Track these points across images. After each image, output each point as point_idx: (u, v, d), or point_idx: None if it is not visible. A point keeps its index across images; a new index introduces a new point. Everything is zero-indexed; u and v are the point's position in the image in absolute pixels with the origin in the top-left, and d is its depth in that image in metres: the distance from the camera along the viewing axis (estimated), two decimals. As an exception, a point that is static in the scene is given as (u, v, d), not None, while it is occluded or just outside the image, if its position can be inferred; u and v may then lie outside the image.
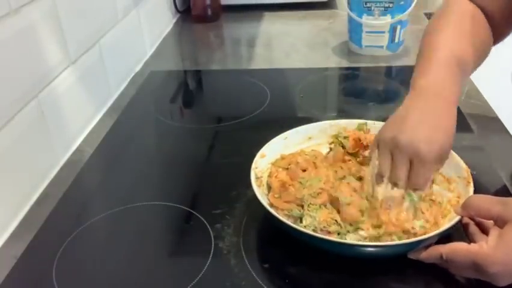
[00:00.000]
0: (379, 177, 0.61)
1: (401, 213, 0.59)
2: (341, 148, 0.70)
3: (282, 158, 0.69)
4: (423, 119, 0.59)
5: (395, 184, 0.59)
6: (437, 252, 0.54)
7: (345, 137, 0.70)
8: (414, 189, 0.59)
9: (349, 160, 0.68)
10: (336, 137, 0.71)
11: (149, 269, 0.61)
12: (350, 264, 0.58)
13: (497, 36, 0.72)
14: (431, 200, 0.62)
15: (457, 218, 0.56)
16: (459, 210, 0.56)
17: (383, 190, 0.60)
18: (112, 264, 0.62)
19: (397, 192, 0.59)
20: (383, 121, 0.66)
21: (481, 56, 0.70)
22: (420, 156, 0.57)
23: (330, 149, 0.71)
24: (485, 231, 0.56)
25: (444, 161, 0.60)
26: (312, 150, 0.72)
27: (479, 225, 0.57)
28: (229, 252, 0.61)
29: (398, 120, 0.61)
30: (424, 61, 0.65)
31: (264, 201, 0.60)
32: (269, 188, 0.66)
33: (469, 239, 0.56)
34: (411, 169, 0.58)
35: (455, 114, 0.61)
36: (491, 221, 0.54)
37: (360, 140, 0.69)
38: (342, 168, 0.67)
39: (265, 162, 0.69)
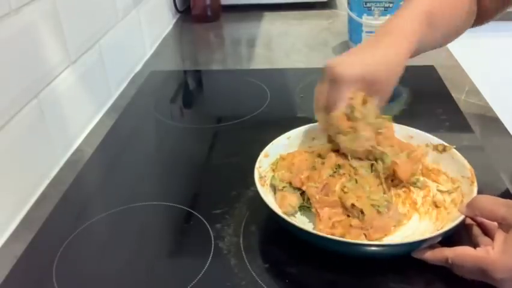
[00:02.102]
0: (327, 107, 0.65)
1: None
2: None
3: (283, 158, 0.69)
4: (358, 49, 0.66)
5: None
6: (443, 255, 0.54)
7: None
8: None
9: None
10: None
11: (149, 269, 0.61)
12: (350, 264, 0.58)
13: (483, 15, 0.75)
14: (435, 205, 0.63)
15: (460, 218, 0.56)
16: (463, 210, 0.56)
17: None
18: (112, 264, 0.62)
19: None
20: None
21: (454, 19, 0.73)
22: (335, 75, 0.62)
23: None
24: (487, 232, 0.56)
25: (380, 96, 0.63)
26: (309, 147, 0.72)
27: (480, 225, 0.57)
28: (229, 252, 0.61)
29: (347, 53, 0.67)
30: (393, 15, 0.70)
31: (268, 200, 0.60)
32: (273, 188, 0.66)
33: (472, 241, 0.56)
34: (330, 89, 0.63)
35: (408, 53, 0.64)
36: (494, 222, 0.54)
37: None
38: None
39: (268, 162, 0.69)
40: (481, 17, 0.75)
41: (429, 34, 0.68)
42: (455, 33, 0.75)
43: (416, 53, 0.68)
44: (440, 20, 0.69)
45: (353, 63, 0.63)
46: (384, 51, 0.64)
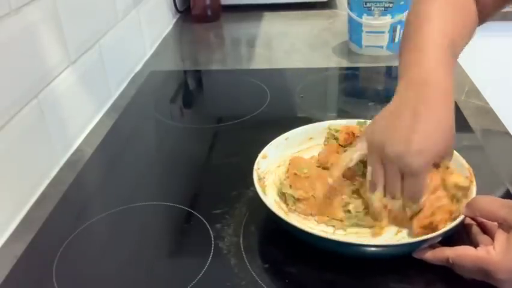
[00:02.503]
0: (373, 186, 0.59)
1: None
2: (334, 141, 0.70)
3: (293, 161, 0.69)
4: (415, 121, 0.55)
5: (392, 196, 0.58)
6: (444, 255, 0.54)
7: (337, 131, 0.71)
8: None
9: (344, 151, 0.68)
10: (329, 128, 0.72)
11: (149, 269, 0.61)
12: (350, 264, 0.58)
13: (483, 17, 0.70)
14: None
15: (460, 218, 0.56)
16: (463, 210, 0.56)
17: (379, 198, 0.59)
18: (112, 264, 0.62)
19: (396, 203, 0.59)
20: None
21: (468, 35, 0.67)
22: (411, 170, 0.55)
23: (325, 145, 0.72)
24: (487, 231, 0.56)
25: (448, 157, 0.59)
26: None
27: (480, 224, 0.57)
28: (229, 252, 0.61)
29: (388, 122, 0.57)
30: (413, 44, 0.61)
31: (268, 202, 0.60)
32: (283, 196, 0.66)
33: (471, 240, 0.56)
34: (404, 181, 0.56)
35: (453, 106, 0.57)
36: (494, 222, 0.54)
37: (353, 133, 0.69)
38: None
39: (267, 163, 0.69)
40: (481, 16, 0.74)
41: (456, 61, 0.63)
42: (470, 38, 0.70)
43: None
44: (460, 42, 0.64)
45: (422, 152, 0.54)
46: (444, 119, 0.56)
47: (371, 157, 0.58)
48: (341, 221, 0.62)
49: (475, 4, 0.68)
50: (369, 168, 0.59)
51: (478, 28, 0.78)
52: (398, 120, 0.56)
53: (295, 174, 0.66)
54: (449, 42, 0.61)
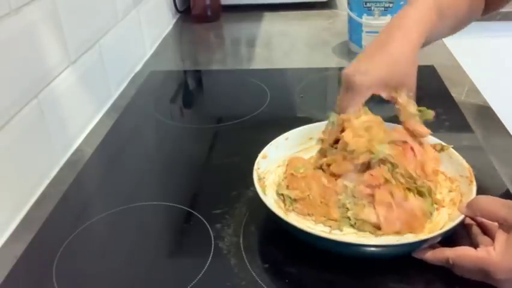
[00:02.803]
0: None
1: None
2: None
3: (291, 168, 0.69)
4: (373, 50, 0.66)
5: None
6: (444, 256, 0.54)
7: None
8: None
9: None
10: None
11: (149, 269, 0.61)
12: (350, 264, 0.58)
13: (492, 4, 0.76)
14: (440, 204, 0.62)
15: (460, 218, 0.56)
16: (464, 210, 0.56)
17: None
18: (112, 264, 0.62)
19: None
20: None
21: (471, 12, 0.74)
22: (351, 85, 0.64)
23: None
24: (486, 231, 0.56)
25: (408, 89, 0.65)
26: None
27: (480, 224, 0.57)
28: (229, 252, 0.61)
29: (358, 56, 0.68)
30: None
31: (268, 202, 0.60)
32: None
33: (471, 240, 0.56)
34: (344, 96, 0.65)
35: (413, 47, 0.65)
36: (494, 223, 0.54)
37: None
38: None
39: (266, 163, 0.69)
40: (489, 5, 0.77)
41: (439, 25, 0.69)
42: (463, 22, 0.77)
43: (426, 42, 0.69)
44: (449, 10, 0.70)
45: (367, 71, 0.64)
46: (395, 48, 0.65)
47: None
48: (337, 221, 0.62)
49: None
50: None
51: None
52: (362, 53, 0.68)
53: (292, 174, 0.66)
54: (436, 5, 0.68)
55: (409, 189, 0.61)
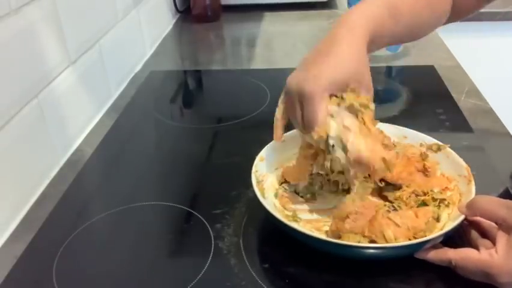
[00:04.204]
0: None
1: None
2: None
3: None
4: (317, 54, 0.61)
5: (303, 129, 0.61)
6: (446, 257, 0.54)
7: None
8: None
9: None
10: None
11: (149, 269, 0.61)
12: (350, 264, 0.58)
13: (459, 12, 0.73)
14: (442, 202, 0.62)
15: (461, 218, 0.56)
16: (463, 210, 0.56)
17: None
18: (112, 264, 0.62)
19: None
20: (381, 121, 0.66)
21: (425, 14, 0.70)
22: (305, 94, 0.58)
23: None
24: (485, 232, 0.56)
25: (363, 87, 0.61)
26: None
27: (478, 224, 0.57)
28: (229, 252, 0.61)
29: (300, 64, 0.62)
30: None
31: (267, 205, 0.60)
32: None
33: (471, 244, 0.56)
34: (302, 109, 0.59)
35: (359, 45, 0.60)
36: (492, 223, 0.54)
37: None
38: None
39: (264, 165, 0.69)
40: (456, 14, 0.74)
41: (391, 25, 0.65)
42: (424, 28, 0.73)
43: (377, 43, 0.65)
44: (404, 12, 0.66)
45: (316, 76, 0.58)
46: (342, 48, 0.60)
47: (282, 96, 0.63)
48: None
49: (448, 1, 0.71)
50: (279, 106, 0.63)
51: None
52: (305, 59, 0.62)
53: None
54: (389, 3, 0.65)
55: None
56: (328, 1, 1.50)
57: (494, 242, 0.52)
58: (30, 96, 0.74)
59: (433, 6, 0.71)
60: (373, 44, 0.63)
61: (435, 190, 0.63)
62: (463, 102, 0.92)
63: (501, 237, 0.52)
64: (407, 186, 0.64)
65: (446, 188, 0.64)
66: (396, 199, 0.63)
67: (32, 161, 0.74)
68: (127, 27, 1.10)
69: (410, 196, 0.62)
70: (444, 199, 0.62)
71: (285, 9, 1.50)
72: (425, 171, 0.65)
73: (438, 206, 0.61)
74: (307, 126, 0.60)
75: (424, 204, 0.62)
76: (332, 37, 0.62)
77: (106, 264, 0.62)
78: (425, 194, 0.63)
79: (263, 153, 0.69)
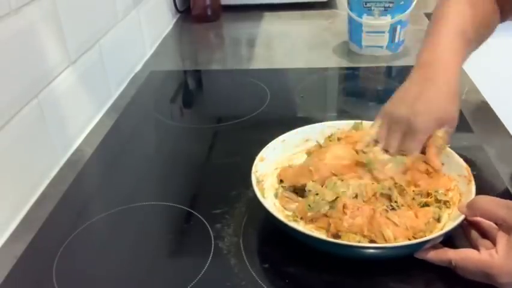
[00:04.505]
0: (374, 142, 0.68)
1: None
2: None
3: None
4: (422, 90, 0.65)
5: (386, 151, 0.66)
6: (447, 257, 0.54)
7: (338, 139, 0.71)
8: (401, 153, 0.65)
9: None
10: (329, 139, 0.72)
11: (149, 269, 0.61)
12: (350, 264, 0.58)
13: (505, 14, 0.75)
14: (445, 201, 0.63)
15: (461, 218, 0.56)
16: (464, 210, 0.56)
17: (375, 153, 0.66)
18: (112, 264, 0.62)
19: (385, 156, 0.66)
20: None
21: (485, 27, 0.74)
22: (414, 127, 0.64)
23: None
24: (485, 233, 0.56)
25: (450, 125, 0.65)
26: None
27: (478, 225, 0.57)
28: (229, 252, 0.61)
29: (400, 94, 0.68)
30: (429, 36, 0.71)
31: (267, 205, 0.60)
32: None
33: (471, 245, 0.56)
34: (405, 138, 0.65)
35: (455, 80, 0.66)
36: (492, 224, 0.54)
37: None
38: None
39: (264, 165, 0.69)
40: (503, 14, 0.76)
41: (468, 49, 0.70)
42: (486, 38, 0.77)
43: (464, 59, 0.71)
44: (473, 33, 0.70)
45: (424, 113, 0.64)
46: (442, 83, 0.65)
47: (380, 121, 0.69)
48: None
49: (494, 3, 0.74)
50: (375, 128, 0.69)
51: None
52: (405, 94, 0.67)
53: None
54: (460, 32, 0.69)
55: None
56: (328, 1, 1.50)
57: (494, 243, 0.52)
58: (30, 96, 0.74)
59: (488, 24, 0.75)
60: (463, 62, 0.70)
61: (440, 191, 0.62)
62: (463, 102, 0.92)
63: (501, 238, 0.52)
64: (413, 186, 0.64)
65: (449, 189, 0.64)
66: (396, 200, 0.63)
67: (32, 161, 0.74)
68: (127, 27, 1.10)
69: (414, 198, 0.62)
70: (448, 201, 0.62)
71: (285, 9, 1.50)
72: (428, 172, 0.65)
73: (440, 207, 0.61)
74: (405, 150, 0.65)
75: (426, 205, 0.62)
76: (426, 77, 0.67)
77: (106, 264, 0.62)
78: (428, 195, 0.63)
79: (263, 153, 0.69)
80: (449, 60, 0.67)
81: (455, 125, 0.66)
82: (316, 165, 0.65)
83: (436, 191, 0.62)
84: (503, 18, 0.76)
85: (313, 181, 0.64)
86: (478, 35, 0.72)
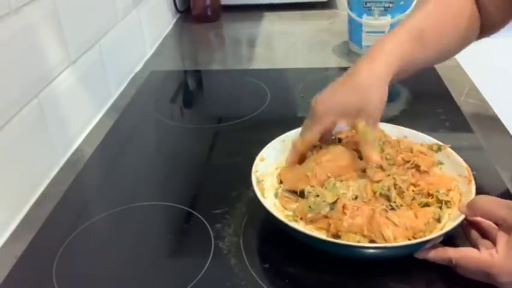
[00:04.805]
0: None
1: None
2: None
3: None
4: (341, 80, 0.68)
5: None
6: (447, 256, 0.54)
7: (339, 139, 0.71)
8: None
9: None
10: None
11: (149, 269, 0.61)
12: (350, 264, 0.58)
13: (489, 27, 0.74)
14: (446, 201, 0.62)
15: (461, 218, 0.56)
16: (464, 210, 0.56)
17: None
18: (112, 264, 0.62)
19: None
20: (381, 121, 0.67)
21: (448, 44, 0.72)
22: (313, 113, 0.66)
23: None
24: (485, 233, 0.56)
25: (368, 115, 0.64)
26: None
27: (477, 224, 0.57)
28: (229, 252, 0.61)
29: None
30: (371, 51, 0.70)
31: (267, 205, 0.60)
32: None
33: (471, 244, 0.56)
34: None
35: (379, 74, 0.65)
36: (492, 224, 0.54)
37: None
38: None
39: (264, 165, 0.69)
40: (487, 29, 0.75)
41: (420, 52, 0.68)
42: (452, 49, 0.75)
43: (407, 70, 0.68)
44: (433, 38, 0.69)
45: (324, 101, 0.67)
46: (360, 78, 0.65)
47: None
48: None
49: (476, 16, 0.72)
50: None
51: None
52: (332, 83, 0.69)
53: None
54: (417, 32, 0.68)
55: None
56: (328, 1, 1.50)
57: (494, 242, 0.52)
58: (31, 96, 0.74)
59: (460, 26, 0.72)
60: (403, 71, 0.67)
61: (441, 191, 0.62)
62: (463, 102, 0.92)
63: (501, 238, 0.52)
64: (413, 186, 0.64)
65: (450, 189, 0.64)
66: (395, 200, 0.63)
67: (32, 161, 0.74)
68: (127, 27, 1.10)
69: (414, 198, 0.62)
70: (449, 201, 0.62)
71: (285, 9, 1.50)
72: (417, 168, 0.65)
73: (440, 207, 0.61)
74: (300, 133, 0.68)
75: (427, 205, 0.62)
76: (356, 67, 0.67)
77: (106, 264, 0.62)
78: (429, 195, 0.63)
79: (263, 153, 0.69)
80: (379, 58, 0.66)
81: (371, 115, 0.64)
82: (313, 171, 0.65)
83: (437, 191, 0.62)
84: (486, 33, 0.75)
85: (311, 186, 0.64)
86: (440, 43, 0.71)
